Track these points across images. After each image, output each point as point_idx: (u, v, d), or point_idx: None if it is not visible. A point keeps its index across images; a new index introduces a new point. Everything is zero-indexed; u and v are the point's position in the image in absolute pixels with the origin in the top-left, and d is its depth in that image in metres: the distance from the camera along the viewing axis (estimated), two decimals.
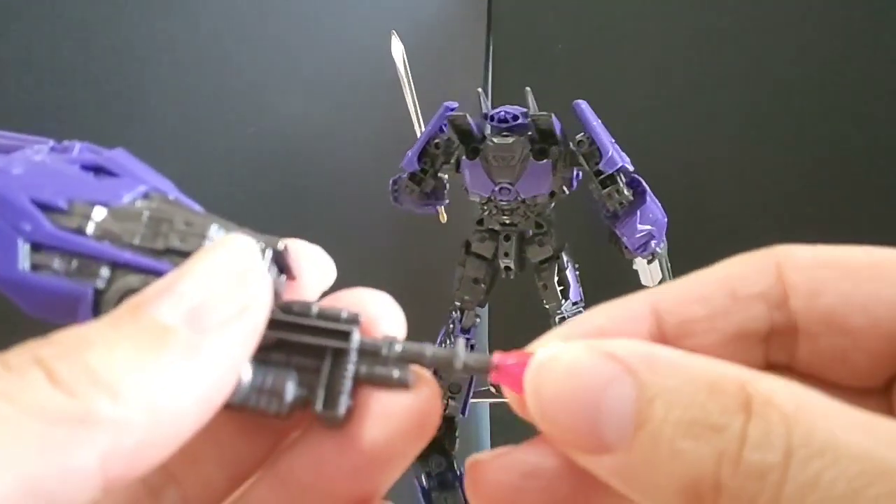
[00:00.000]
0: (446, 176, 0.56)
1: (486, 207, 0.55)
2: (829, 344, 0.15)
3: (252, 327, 0.15)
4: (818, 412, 0.12)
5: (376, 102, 0.74)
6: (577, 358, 0.14)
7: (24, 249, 0.15)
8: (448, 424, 0.58)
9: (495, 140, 0.51)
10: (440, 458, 0.58)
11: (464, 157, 0.53)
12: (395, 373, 0.16)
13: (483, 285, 0.56)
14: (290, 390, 0.16)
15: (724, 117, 0.71)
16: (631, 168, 0.50)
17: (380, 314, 0.17)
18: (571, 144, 0.51)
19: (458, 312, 0.57)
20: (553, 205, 0.55)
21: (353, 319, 0.16)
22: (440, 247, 0.80)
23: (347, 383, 0.16)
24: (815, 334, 0.16)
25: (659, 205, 0.51)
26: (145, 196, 0.16)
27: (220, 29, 0.67)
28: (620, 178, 0.50)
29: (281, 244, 0.16)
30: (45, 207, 0.15)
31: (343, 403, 0.16)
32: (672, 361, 0.14)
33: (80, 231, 0.15)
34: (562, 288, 0.54)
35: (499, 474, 0.16)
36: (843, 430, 0.12)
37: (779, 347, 0.16)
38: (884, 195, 0.67)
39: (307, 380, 0.16)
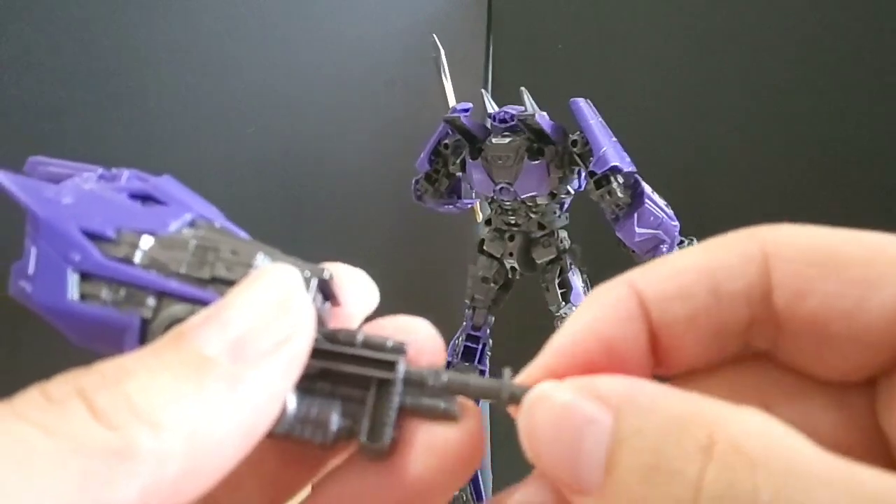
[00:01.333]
0: (461, 174, 0.57)
1: (491, 207, 0.55)
2: (809, 344, 0.15)
3: (295, 358, 0.14)
4: (793, 462, 0.12)
5: (377, 102, 0.74)
6: (565, 397, 0.14)
7: (73, 279, 0.15)
8: None
9: (494, 140, 0.52)
10: None
11: (468, 158, 0.54)
12: (441, 404, 0.16)
13: (493, 284, 0.56)
14: (335, 421, 0.15)
15: (724, 116, 0.72)
16: (626, 168, 0.49)
17: (424, 343, 0.17)
18: (568, 144, 0.51)
19: (471, 311, 0.58)
20: (565, 206, 0.55)
21: (399, 349, 0.16)
22: (441, 246, 0.81)
23: (392, 414, 0.15)
24: (796, 333, 0.15)
25: (663, 208, 0.50)
26: (192, 224, 0.16)
27: (220, 29, 0.67)
28: (616, 178, 0.49)
29: (327, 273, 0.16)
30: (94, 237, 0.15)
31: (388, 434, 0.15)
32: (650, 400, 0.13)
33: (128, 260, 0.15)
34: (563, 290, 0.54)
35: None
36: (822, 487, 0.11)
37: (760, 336, 0.16)
38: (884, 195, 0.67)
39: (352, 410, 0.16)
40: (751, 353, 0.16)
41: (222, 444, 0.13)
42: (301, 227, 0.71)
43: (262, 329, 0.14)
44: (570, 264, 0.55)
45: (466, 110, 0.53)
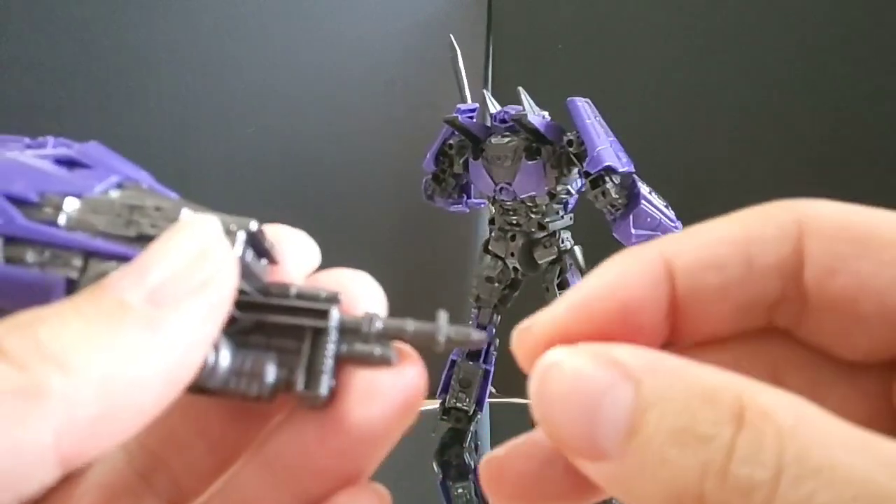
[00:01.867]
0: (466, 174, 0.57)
1: (494, 207, 0.56)
2: (835, 322, 0.15)
3: (214, 302, 0.14)
4: (818, 430, 0.12)
5: (376, 102, 0.74)
6: (581, 364, 0.14)
7: None
8: (466, 417, 0.58)
9: (493, 140, 0.52)
10: (459, 448, 0.58)
11: (470, 158, 0.54)
12: (377, 350, 0.16)
13: (497, 284, 0.56)
14: (271, 372, 0.15)
15: (724, 116, 0.72)
16: (621, 168, 0.48)
17: (360, 292, 0.17)
18: (564, 143, 0.50)
19: (476, 310, 0.58)
20: (569, 206, 0.54)
21: (333, 298, 0.16)
22: (442, 246, 0.81)
23: (329, 362, 0.15)
24: (823, 310, 0.15)
25: (662, 209, 0.49)
26: (118, 186, 0.16)
27: (220, 29, 0.67)
28: (611, 178, 0.49)
29: (253, 224, 0.16)
30: (17, 201, 0.15)
31: (325, 383, 0.15)
32: (674, 370, 0.13)
33: (52, 222, 0.15)
34: (562, 292, 0.53)
35: (517, 467, 0.16)
36: (843, 451, 0.11)
37: (784, 313, 0.16)
38: (885, 195, 0.67)
39: (288, 361, 0.16)
40: (772, 331, 0.16)
41: (140, 388, 0.13)
42: (301, 226, 0.71)
43: (181, 275, 0.14)
44: (570, 265, 0.54)
45: (473, 111, 0.53)
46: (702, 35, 0.71)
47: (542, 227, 0.54)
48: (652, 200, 0.49)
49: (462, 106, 0.54)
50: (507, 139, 0.51)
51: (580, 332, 0.15)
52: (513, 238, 0.55)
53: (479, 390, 0.58)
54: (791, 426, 0.12)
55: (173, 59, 0.65)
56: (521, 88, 0.51)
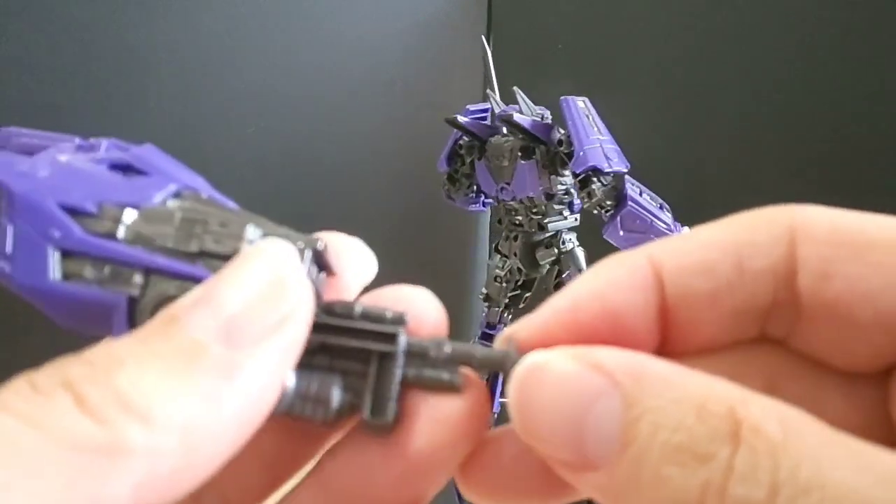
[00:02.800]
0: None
1: (500, 206, 0.56)
2: (829, 330, 0.15)
3: (293, 339, 0.14)
4: (808, 442, 0.12)
5: (376, 102, 0.74)
6: (564, 369, 0.13)
7: (54, 257, 0.14)
8: None
9: (493, 140, 0.52)
10: None
11: (476, 158, 0.54)
12: (445, 375, 0.15)
13: (505, 284, 0.56)
14: (336, 397, 0.15)
15: (724, 115, 0.72)
16: (607, 169, 0.47)
17: (424, 313, 0.16)
18: (556, 143, 0.50)
19: (486, 308, 0.58)
20: (574, 207, 0.54)
21: (399, 320, 0.15)
22: (442, 245, 0.81)
23: (395, 388, 0.15)
24: (817, 318, 0.15)
25: (652, 210, 0.48)
26: (177, 195, 0.16)
27: (220, 29, 0.67)
28: (599, 179, 0.48)
29: (321, 244, 0.15)
30: (74, 212, 0.14)
31: (392, 409, 0.15)
32: (661, 378, 0.13)
33: (111, 236, 0.15)
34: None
35: (490, 464, 0.16)
36: (832, 466, 0.11)
37: (778, 322, 0.15)
38: (885, 195, 0.67)
39: (353, 384, 0.15)
40: (765, 341, 0.16)
41: (218, 435, 0.13)
42: (301, 226, 0.71)
43: (257, 310, 0.13)
44: (569, 267, 0.54)
45: (485, 111, 0.53)
46: (702, 35, 0.71)
47: (541, 227, 0.54)
48: (641, 202, 0.49)
49: (471, 106, 0.54)
50: (505, 139, 0.51)
51: (566, 339, 0.15)
52: (515, 238, 0.55)
53: (490, 389, 0.58)
54: (782, 440, 0.12)
55: (173, 59, 0.65)
56: (516, 88, 0.51)
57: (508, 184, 0.52)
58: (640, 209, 0.48)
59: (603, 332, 0.15)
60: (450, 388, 0.15)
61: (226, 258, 0.15)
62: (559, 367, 0.14)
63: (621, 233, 0.48)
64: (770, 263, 0.15)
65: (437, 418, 0.15)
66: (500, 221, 0.57)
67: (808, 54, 0.68)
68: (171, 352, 0.13)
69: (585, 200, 0.49)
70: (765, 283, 0.15)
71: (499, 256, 0.56)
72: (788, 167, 0.70)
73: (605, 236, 0.50)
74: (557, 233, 0.54)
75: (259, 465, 0.16)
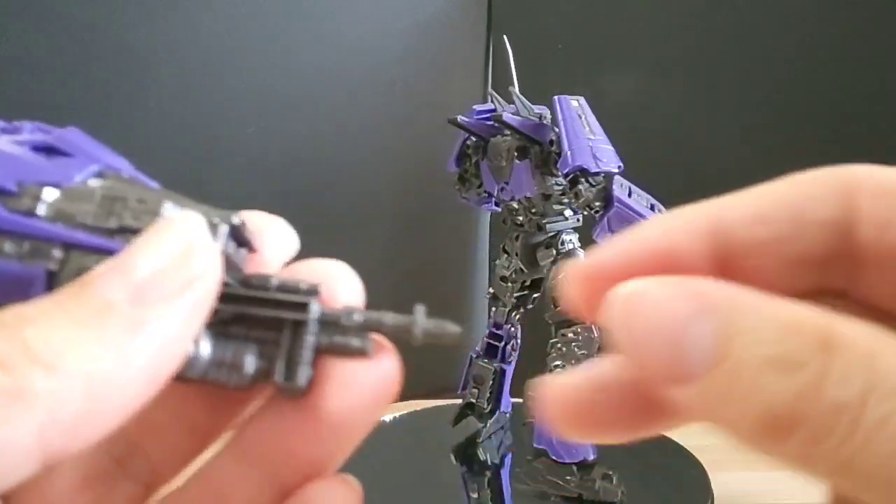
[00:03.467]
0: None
1: (503, 206, 0.56)
2: (892, 278, 0.15)
3: (199, 302, 0.15)
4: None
5: (376, 102, 0.74)
6: (664, 293, 0.14)
7: None
8: (484, 414, 0.58)
9: (492, 140, 0.52)
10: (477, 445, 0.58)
11: (480, 158, 0.54)
12: (355, 341, 0.16)
13: (511, 284, 0.56)
14: (250, 363, 0.16)
15: (724, 116, 0.72)
16: (594, 169, 0.46)
17: (338, 283, 0.17)
18: (549, 143, 0.49)
19: (493, 308, 0.58)
20: (576, 208, 0.53)
21: (313, 290, 0.16)
22: (443, 245, 0.81)
23: (307, 354, 0.16)
24: (880, 267, 0.15)
25: (641, 211, 0.47)
26: (98, 175, 0.16)
27: (220, 29, 0.67)
28: (587, 179, 0.47)
29: (236, 218, 0.16)
30: None
31: (303, 374, 0.16)
32: (754, 302, 0.14)
33: (31, 213, 0.15)
34: (556, 294, 0.52)
35: (570, 391, 0.16)
36: None
37: (837, 273, 0.16)
38: None
39: (268, 352, 0.16)
40: (825, 292, 0.16)
41: (123, 386, 0.14)
42: (301, 226, 0.71)
43: (166, 273, 0.14)
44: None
45: (491, 111, 0.53)
46: (702, 35, 0.71)
47: (540, 228, 0.54)
48: (629, 203, 0.48)
49: (478, 107, 0.54)
50: (504, 139, 0.51)
51: (631, 275, 0.15)
52: (516, 238, 0.55)
53: (496, 388, 0.58)
54: (871, 349, 0.13)
55: (173, 59, 0.65)
56: (512, 88, 0.51)
57: (507, 184, 0.52)
58: (627, 210, 0.47)
59: (662, 273, 0.15)
60: (360, 353, 0.16)
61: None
62: (657, 292, 0.14)
63: (609, 235, 0.48)
64: (829, 215, 0.15)
65: (346, 382, 0.16)
66: (504, 221, 0.56)
67: (808, 54, 0.68)
68: (81, 310, 0.14)
69: (573, 201, 0.48)
70: (823, 234, 0.15)
71: (505, 256, 0.56)
72: (790, 167, 0.70)
73: (594, 238, 0.49)
74: (558, 233, 0.54)
75: (183, 430, 0.17)
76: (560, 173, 0.48)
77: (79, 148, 0.17)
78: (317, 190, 0.72)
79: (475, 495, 0.54)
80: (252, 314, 0.16)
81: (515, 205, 0.54)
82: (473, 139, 0.55)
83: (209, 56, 0.66)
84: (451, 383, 0.76)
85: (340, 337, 0.16)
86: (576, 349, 0.49)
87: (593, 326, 0.49)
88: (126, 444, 0.17)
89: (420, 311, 0.16)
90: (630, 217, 0.47)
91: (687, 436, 0.60)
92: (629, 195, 0.48)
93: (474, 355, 0.58)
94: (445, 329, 0.16)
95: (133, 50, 0.63)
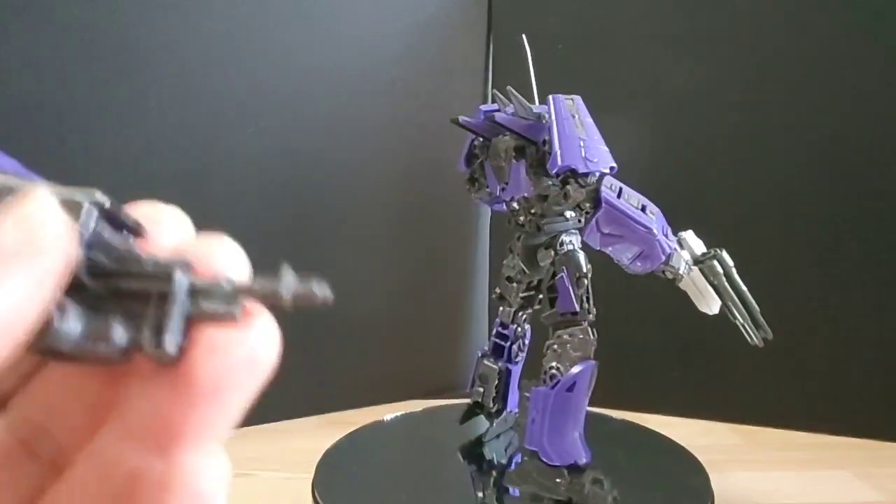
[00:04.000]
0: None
1: (507, 206, 0.55)
2: None
3: (43, 272, 0.15)
4: None
5: (376, 102, 0.74)
6: None
7: None
8: (489, 413, 0.59)
9: (493, 140, 0.52)
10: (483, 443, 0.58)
11: (484, 159, 0.54)
12: (222, 308, 0.16)
13: (515, 284, 0.56)
14: (119, 333, 0.16)
15: (725, 116, 0.72)
16: (582, 170, 0.46)
17: (220, 257, 0.17)
18: (542, 143, 0.49)
19: (501, 307, 0.58)
20: (576, 209, 0.53)
21: (182, 261, 0.17)
22: (443, 245, 0.81)
23: (175, 321, 0.16)
24: None
25: (632, 214, 0.46)
26: None
27: (220, 29, 0.67)
28: (577, 180, 0.46)
29: (99, 195, 0.16)
30: None
31: (171, 341, 0.16)
32: None
33: None
34: (552, 296, 0.51)
35: None
36: None
37: None
38: (885, 195, 0.67)
39: (139, 324, 0.16)
40: None
41: None
42: (301, 226, 0.71)
43: (9, 245, 0.14)
44: (563, 268, 0.52)
45: (495, 111, 0.52)
46: (703, 35, 0.71)
47: (539, 228, 0.54)
48: (617, 204, 0.47)
49: (484, 107, 0.54)
50: (503, 139, 0.51)
51: None
52: (518, 238, 0.55)
53: (502, 388, 0.57)
54: None
55: (173, 59, 0.65)
56: (510, 87, 0.51)
57: (507, 184, 0.52)
58: (616, 211, 0.46)
59: None
60: (227, 318, 0.16)
61: None
62: None
63: (598, 236, 0.47)
64: None
65: (213, 345, 0.16)
66: (508, 221, 0.56)
67: (809, 54, 0.68)
68: None
69: (563, 202, 0.47)
70: None
71: (510, 256, 0.56)
72: (789, 167, 0.70)
73: (584, 239, 0.49)
74: (557, 234, 0.53)
75: (82, 408, 0.18)
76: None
77: None
78: (316, 189, 0.72)
79: (481, 494, 0.54)
80: (124, 289, 0.16)
81: (516, 205, 0.54)
82: (480, 139, 0.55)
83: (209, 56, 0.66)
84: (452, 383, 0.76)
85: (210, 304, 0.16)
86: (571, 351, 0.49)
87: (589, 329, 0.49)
88: (31, 428, 0.18)
89: (287, 272, 0.16)
90: (619, 218, 0.46)
91: (687, 436, 0.60)
92: (619, 196, 0.47)
93: (481, 354, 0.59)
94: (312, 290, 0.16)
95: (133, 50, 0.63)
